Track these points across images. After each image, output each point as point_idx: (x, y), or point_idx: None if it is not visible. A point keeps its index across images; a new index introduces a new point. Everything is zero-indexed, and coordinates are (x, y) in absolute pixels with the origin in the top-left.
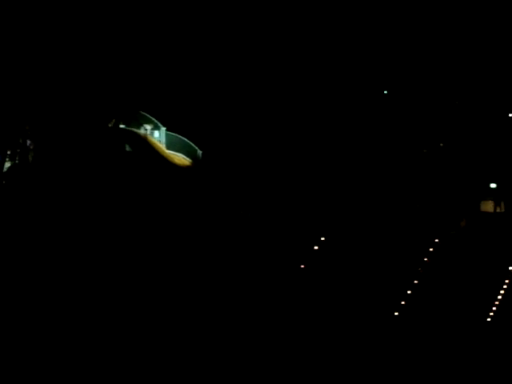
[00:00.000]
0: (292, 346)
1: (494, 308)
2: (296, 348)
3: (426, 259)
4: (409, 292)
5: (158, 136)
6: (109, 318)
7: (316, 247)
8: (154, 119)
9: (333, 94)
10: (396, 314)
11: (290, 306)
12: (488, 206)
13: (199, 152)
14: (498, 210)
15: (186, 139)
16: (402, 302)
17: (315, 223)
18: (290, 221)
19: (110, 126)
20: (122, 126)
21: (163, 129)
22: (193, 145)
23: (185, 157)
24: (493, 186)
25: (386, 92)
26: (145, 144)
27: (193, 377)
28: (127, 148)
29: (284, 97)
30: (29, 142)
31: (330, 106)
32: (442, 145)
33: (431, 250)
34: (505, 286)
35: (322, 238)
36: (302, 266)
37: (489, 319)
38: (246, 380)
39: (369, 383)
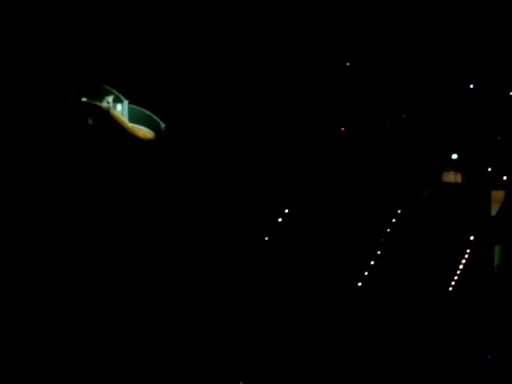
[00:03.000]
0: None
1: (455, 277)
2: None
3: (388, 230)
4: (372, 263)
5: (120, 109)
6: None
7: (280, 219)
8: (116, 92)
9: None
10: (359, 284)
11: (253, 273)
12: (449, 177)
13: (162, 125)
14: (459, 181)
15: (149, 112)
16: (366, 273)
17: (278, 193)
18: (252, 194)
19: (71, 99)
20: (83, 99)
21: (126, 102)
22: (156, 118)
23: (148, 130)
24: (454, 156)
25: (348, 64)
26: (107, 117)
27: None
28: (89, 121)
29: (241, 70)
30: None
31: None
32: (404, 116)
33: (394, 220)
34: (466, 256)
35: (286, 210)
36: (266, 238)
37: (450, 288)
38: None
39: (333, 354)
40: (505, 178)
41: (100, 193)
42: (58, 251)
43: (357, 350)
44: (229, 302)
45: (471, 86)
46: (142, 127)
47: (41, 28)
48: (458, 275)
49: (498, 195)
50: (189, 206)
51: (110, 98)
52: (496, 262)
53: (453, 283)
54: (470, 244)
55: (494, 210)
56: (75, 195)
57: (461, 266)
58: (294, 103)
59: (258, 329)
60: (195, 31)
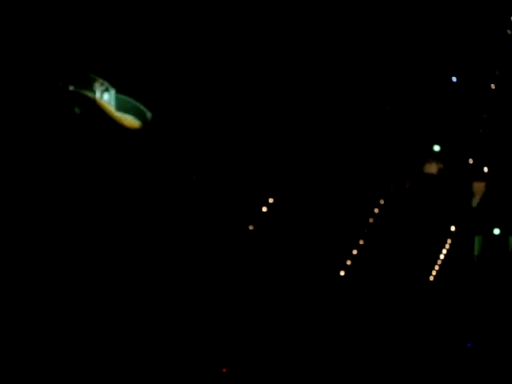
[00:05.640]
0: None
1: (436, 267)
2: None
3: (371, 220)
4: (354, 252)
5: (107, 98)
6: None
7: (264, 208)
8: (103, 81)
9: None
10: (342, 273)
11: (239, 264)
12: (431, 168)
13: (149, 114)
14: (441, 172)
15: (135, 101)
16: (348, 262)
17: (262, 182)
18: (238, 183)
19: (58, 87)
20: (71, 88)
21: (113, 91)
22: (142, 107)
23: (134, 119)
24: (436, 148)
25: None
26: (94, 106)
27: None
28: (76, 110)
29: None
30: None
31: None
32: (388, 108)
33: (376, 210)
34: (447, 246)
35: (271, 200)
36: (251, 228)
37: (431, 278)
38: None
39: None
40: (486, 169)
41: (85, 181)
42: (40, 238)
43: (338, 337)
44: (213, 289)
45: (454, 79)
46: (128, 116)
47: (28, 16)
48: (439, 264)
49: (479, 187)
50: (175, 195)
51: (98, 87)
52: (476, 251)
53: (434, 272)
54: (451, 234)
55: (474, 202)
56: (60, 184)
57: (442, 256)
58: (272, 92)
59: (240, 316)
60: (182, 20)
